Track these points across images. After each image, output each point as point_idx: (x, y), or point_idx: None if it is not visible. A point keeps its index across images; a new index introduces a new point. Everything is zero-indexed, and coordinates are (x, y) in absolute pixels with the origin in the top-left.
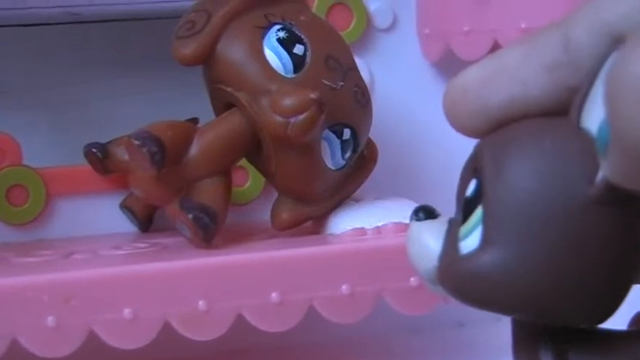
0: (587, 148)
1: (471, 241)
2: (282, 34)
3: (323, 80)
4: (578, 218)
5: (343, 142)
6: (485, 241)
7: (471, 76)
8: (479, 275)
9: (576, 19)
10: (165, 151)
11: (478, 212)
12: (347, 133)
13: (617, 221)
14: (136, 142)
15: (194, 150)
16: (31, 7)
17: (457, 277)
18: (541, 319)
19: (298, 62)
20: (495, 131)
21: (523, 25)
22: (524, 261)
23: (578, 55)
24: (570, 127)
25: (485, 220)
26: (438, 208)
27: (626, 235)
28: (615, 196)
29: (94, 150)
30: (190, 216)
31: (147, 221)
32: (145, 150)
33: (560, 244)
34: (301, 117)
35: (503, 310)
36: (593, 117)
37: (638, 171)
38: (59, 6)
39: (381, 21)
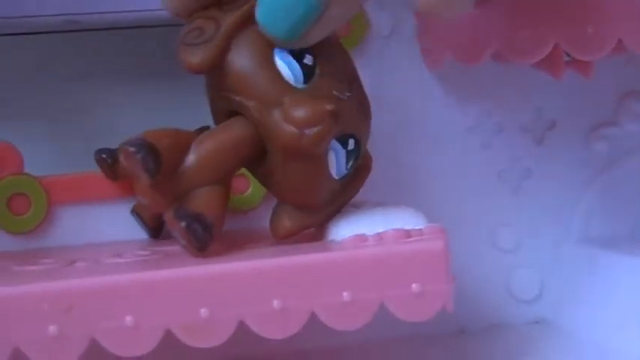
0: None
1: None
2: None
3: (333, 91)
4: None
5: (348, 152)
6: None
7: None
8: None
9: None
10: (160, 159)
11: None
12: (352, 143)
13: None
14: (131, 149)
15: (191, 158)
16: (30, 16)
17: None
18: None
19: (308, 72)
20: None
21: (523, 32)
22: None
23: None
24: None
25: None
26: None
27: None
28: None
29: (104, 155)
30: (183, 224)
31: (156, 227)
32: (138, 157)
33: None
34: (316, 129)
35: None
36: None
37: None
38: (59, 14)
39: (381, 28)
